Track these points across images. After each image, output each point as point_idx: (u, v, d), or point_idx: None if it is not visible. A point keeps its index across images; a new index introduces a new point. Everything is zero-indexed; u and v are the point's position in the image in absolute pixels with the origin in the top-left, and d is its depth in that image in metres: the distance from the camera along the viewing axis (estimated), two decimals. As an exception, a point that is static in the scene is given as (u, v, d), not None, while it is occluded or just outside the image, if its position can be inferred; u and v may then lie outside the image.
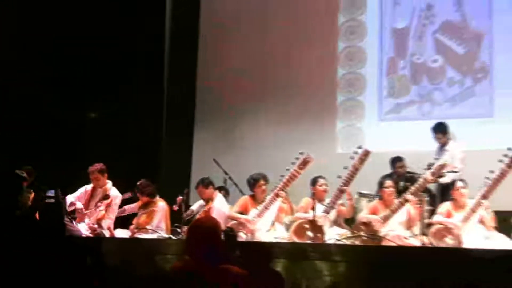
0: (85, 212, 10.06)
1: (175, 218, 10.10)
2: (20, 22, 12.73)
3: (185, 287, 4.59)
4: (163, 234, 9.77)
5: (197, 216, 9.80)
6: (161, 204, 10.24)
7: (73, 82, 12.88)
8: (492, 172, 8.98)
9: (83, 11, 12.74)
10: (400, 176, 10.76)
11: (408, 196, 9.19)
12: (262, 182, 9.71)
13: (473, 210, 8.97)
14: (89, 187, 10.37)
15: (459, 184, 9.37)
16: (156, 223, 10.08)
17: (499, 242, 8.80)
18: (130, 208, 10.51)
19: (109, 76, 12.88)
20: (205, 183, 10.21)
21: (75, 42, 12.82)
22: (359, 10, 12.93)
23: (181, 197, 10.07)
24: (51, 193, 8.97)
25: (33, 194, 9.37)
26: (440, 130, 10.95)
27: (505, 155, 8.94)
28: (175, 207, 10.09)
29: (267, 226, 9.52)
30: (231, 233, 4.82)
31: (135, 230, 10.01)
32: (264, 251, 7.71)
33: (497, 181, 8.93)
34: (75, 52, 12.83)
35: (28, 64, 12.36)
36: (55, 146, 12.30)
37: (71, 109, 12.82)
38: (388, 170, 10.77)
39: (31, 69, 12.40)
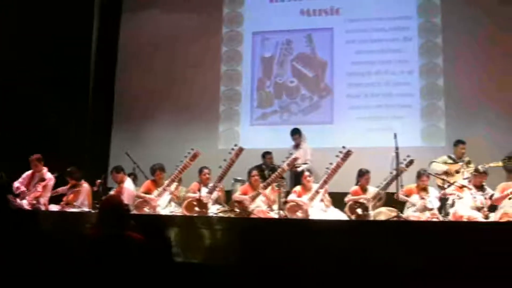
0: (27, 192, 9.95)
1: (95, 196, 10.04)
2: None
3: (99, 248, 4.63)
4: (86, 209, 9.73)
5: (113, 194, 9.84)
6: (85, 186, 10.17)
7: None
8: (331, 164, 9.19)
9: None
10: (268, 166, 10.94)
11: (270, 181, 9.39)
12: (159, 171, 9.78)
13: (317, 192, 9.17)
14: (29, 172, 10.25)
15: (306, 173, 9.62)
16: (81, 200, 10.02)
17: (335, 215, 9.08)
18: (62, 189, 10.38)
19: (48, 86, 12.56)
20: (117, 169, 10.17)
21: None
22: (237, 43, 13.01)
23: (99, 180, 10.02)
24: (-4, 175, 8.98)
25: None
26: (297, 133, 11.24)
27: (340, 152, 9.16)
28: (95, 188, 10.05)
29: (165, 203, 9.59)
30: (126, 207, 4.86)
31: (65, 206, 9.93)
32: (161, 222, 7.78)
33: (334, 170, 9.15)
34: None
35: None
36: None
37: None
38: (256, 162, 10.84)
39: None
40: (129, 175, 10.51)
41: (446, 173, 9.90)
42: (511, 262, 6.73)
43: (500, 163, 9.86)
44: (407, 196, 9.17)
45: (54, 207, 9.91)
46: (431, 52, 12.08)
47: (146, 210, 9.42)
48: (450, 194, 9.11)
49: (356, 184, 9.56)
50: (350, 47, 12.38)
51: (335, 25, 12.56)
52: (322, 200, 9.24)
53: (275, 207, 9.13)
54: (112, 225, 4.66)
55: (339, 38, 12.47)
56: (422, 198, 9.06)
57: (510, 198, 8.64)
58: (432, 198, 9.06)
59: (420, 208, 9.00)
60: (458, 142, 10.25)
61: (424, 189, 9.21)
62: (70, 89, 12.47)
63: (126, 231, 4.67)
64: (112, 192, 10.02)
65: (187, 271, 7.10)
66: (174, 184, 9.64)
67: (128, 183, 10.10)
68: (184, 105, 12.84)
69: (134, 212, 9.32)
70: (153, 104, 13.06)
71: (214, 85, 12.90)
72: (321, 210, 9.10)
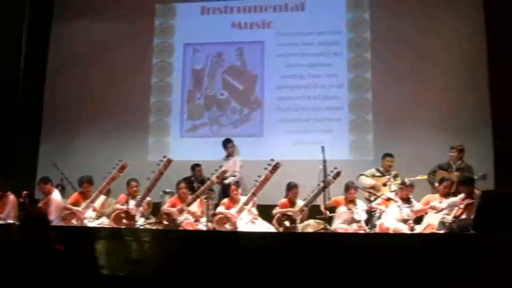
0: None
1: (22, 208, 9.82)
2: None
3: (20, 258, 4.58)
4: (11, 221, 9.52)
5: (38, 205, 9.69)
6: (11, 197, 9.92)
7: None
8: (259, 176, 9.28)
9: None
10: (197, 178, 10.95)
11: (198, 193, 9.39)
12: (87, 183, 9.72)
13: (245, 204, 9.23)
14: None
15: (233, 186, 9.67)
16: (7, 212, 9.78)
17: (263, 227, 9.15)
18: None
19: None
20: (44, 180, 10.00)
21: None
22: (168, 54, 13.00)
23: (25, 192, 9.85)
24: None
25: None
26: (230, 142, 11.37)
27: (269, 164, 9.27)
28: (21, 199, 9.86)
29: (93, 215, 9.50)
30: (48, 219, 4.87)
31: (-12, 218, 9.72)
32: (87, 234, 7.70)
33: (263, 183, 9.24)
34: None
35: None
36: None
37: None
38: (186, 174, 10.84)
39: None
40: (56, 186, 10.37)
41: (373, 188, 10.08)
42: (435, 272, 6.92)
43: (426, 177, 10.12)
44: (334, 207, 9.32)
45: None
46: (360, 66, 12.35)
47: (74, 222, 9.34)
48: (376, 208, 9.30)
49: (285, 197, 9.62)
50: (281, 60, 12.54)
51: (266, 39, 12.72)
52: (249, 212, 9.29)
53: (204, 219, 9.13)
54: (34, 236, 4.63)
55: (270, 51, 12.62)
56: (349, 210, 9.22)
57: (435, 213, 8.86)
58: (360, 211, 9.22)
59: (348, 220, 9.16)
60: (386, 155, 10.49)
61: (352, 202, 9.38)
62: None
63: (48, 242, 4.64)
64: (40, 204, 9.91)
65: (113, 283, 7.06)
66: (102, 197, 9.60)
67: (56, 195, 9.94)
68: (113, 116, 12.76)
69: (61, 223, 9.22)
70: (83, 114, 12.93)
71: (145, 96, 12.86)
72: (249, 223, 9.15)
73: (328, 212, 9.05)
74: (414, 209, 9.05)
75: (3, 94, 12.38)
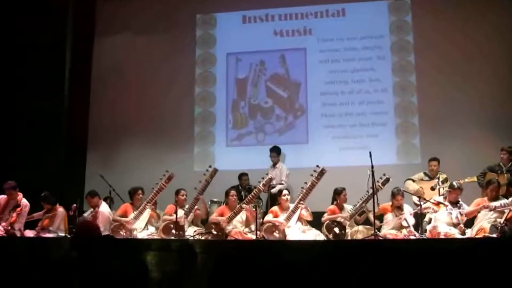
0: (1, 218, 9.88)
1: (71, 220, 9.94)
2: None
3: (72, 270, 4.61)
4: (61, 234, 9.65)
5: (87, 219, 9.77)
6: (60, 210, 10.08)
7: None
8: (306, 183, 9.26)
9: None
10: (244, 187, 10.96)
11: (246, 202, 9.38)
12: (139, 192, 9.84)
13: (293, 211, 9.21)
14: (3, 196, 10.14)
15: (284, 192, 9.63)
16: (57, 225, 9.94)
17: (312, 233, 9.09)
18: (37, 214, 10.25)
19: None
20: (92, 194, 10.14)
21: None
22: (210, 64, 13.03)
23: (75, 205, 9.95)
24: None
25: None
26: (275, 151, 11.35)
27: (314, 171, 9.24)
28: (71, 212, 9.95)
29: (142, 226, 9.56)
30: (98, 231, 4.95)
31: (40, 231, 9.81)
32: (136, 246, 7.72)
33: (309, 189, 9.21)
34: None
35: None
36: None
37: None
38: (232, 183, 10.84)
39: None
40: (105, 199, 10.49)
41: (417, 192, 9.94)
42: (488, 277, 6.77)
43: (474, 178, 9.94)
44: (382, 214, 9.24)
45: (29, 233, 9.81)
46: (404, 70, 12.24)
47: (122, 233, 9.44)
48: (426, 209, 9.20)
49: (333, 203, 9.57)
50: (324, 66, 12.50)
51: (308, 45, 12.69)
52: (299, 220, 9.24)
53: (253, 227, 9.15)
54: (88, 249, 4.64)
55: (312, 58, 12.59)
56: (396, 216, 9.14)
57: (489, 211, 8.69)
58: (407, 216, 9.12)
59: (397, 226, 9.07)
60: (430, 160, 10.43)
61: (399, 208, 9.27)
62: (45, 113, 12.42)
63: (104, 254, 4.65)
64: (85, 215, 10.06)
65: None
66: (149, 207, 9.63)
67: (104, 207, 10.07)
68: (159, 127, 12.85)
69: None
70: (128, 127, 13.05)
71: (189, 107, 12.92)
72: (298, 230, 9.09)
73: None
74: (465, 211, 8.89)
75: (49, 109, 12.54)
